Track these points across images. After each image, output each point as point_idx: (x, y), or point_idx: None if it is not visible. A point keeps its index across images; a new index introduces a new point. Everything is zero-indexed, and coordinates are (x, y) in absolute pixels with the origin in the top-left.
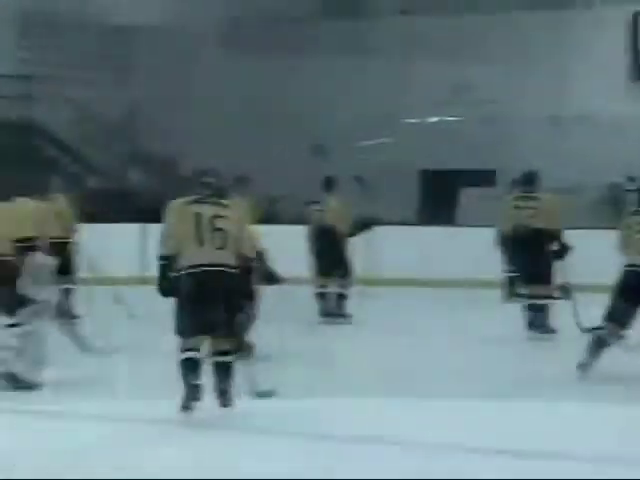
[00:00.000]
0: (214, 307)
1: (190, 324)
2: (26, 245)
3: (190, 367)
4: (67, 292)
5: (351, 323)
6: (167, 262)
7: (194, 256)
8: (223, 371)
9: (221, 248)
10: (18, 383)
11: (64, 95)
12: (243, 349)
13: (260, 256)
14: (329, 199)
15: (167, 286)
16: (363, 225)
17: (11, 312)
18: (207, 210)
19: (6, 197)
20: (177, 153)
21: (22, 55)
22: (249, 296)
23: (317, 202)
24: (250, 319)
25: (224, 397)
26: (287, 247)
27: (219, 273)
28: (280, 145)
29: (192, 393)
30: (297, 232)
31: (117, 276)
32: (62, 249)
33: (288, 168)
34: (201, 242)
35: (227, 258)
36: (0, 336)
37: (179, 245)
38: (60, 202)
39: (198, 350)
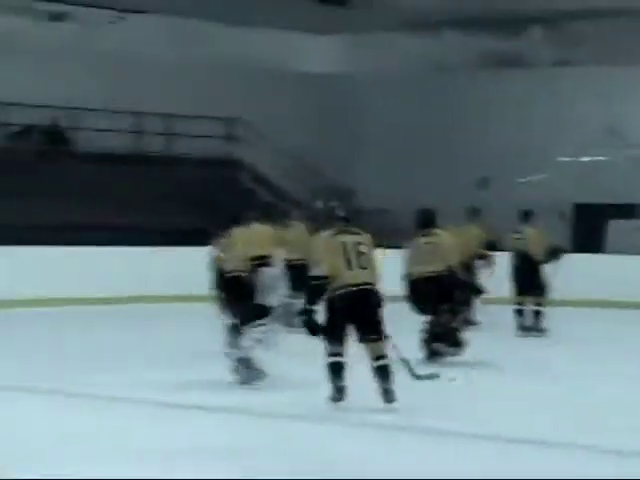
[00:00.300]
0: (364, 320)
1: (338, 334)
2: (259, 262)
3: (336, 370)
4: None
5: (547, 336)
6: (320, 282)
7: (344, 278)
8: (383, 372)
9: (365, 268)
10: (251, 369)
11: (263, 135)
12: (458, 342)
13: (471, 269)
14: (527, 228)
15: (311, 312)
16: (556, 252)
17: (249, 320)
18: (350, 238)
19: (245, 222)
20: (355, 185)
21: (228, 100)
22: (464, 302)
23: (517, 231)
24: (465, 321)
25: (387, 395)
26: None
27: (366, 290)
28: (445, 179)
29: (338, 394)
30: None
31: None
32: (299, 269)
33: (453, 200)
34: (349, 266)
35: (370, 277)
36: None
37: (330, 270)
38: (297, 228)
39: (343, 355)
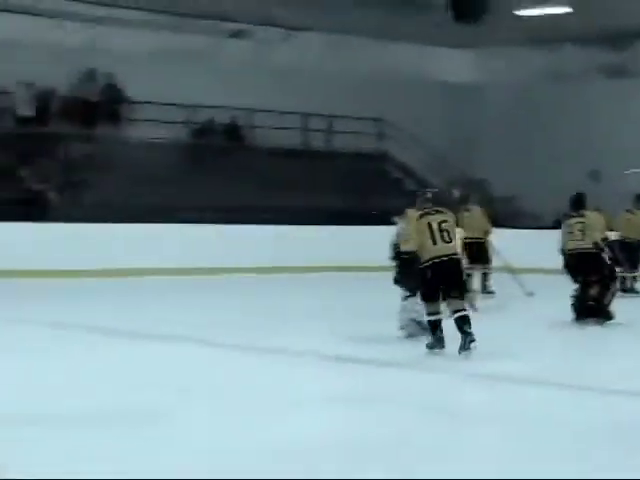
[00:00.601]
0: (449, 282)
1: (432, 296)
2: None
3: (435, 325)
4: (484, 275)
5: None
6: (408, 256)
7: (431, 252)
8: (463, 320)
9: (448, 242)
10: (422, 330)
11: (408, 133)
12: (607, 316)
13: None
14: None
15: (401, 277)
16: None
17: (416, 288)
18: (434, 218)
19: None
20: (488, 176)
21: (377, 103)
22: (608, 276)
23: None
24: (612, 294)
25: (467, 335)
26: None
27: (449, 260)
28: (562, 171)
29: (438, 343)
30: None
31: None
32: (479, 245)
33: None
34: (434, 242)
35: (453, 249)
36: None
37: (419, 245)
38: (475, 211)
39: (439, 313)
